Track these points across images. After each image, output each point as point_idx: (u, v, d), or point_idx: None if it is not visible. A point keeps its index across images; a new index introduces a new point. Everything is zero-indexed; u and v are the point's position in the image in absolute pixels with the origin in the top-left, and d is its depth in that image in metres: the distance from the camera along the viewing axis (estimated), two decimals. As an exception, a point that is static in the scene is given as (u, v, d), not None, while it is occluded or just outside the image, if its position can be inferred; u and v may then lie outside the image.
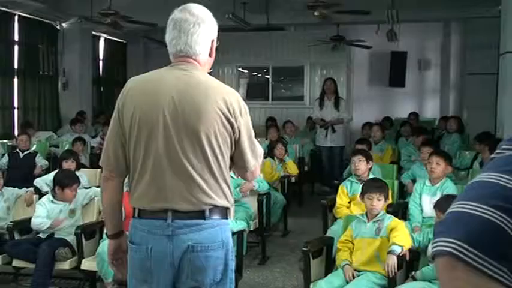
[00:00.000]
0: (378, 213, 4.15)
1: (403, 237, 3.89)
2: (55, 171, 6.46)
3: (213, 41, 2.46)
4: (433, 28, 13.37)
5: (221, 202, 2.36)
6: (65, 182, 5.08)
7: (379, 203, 4.19)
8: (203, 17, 2.40)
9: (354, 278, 3.92)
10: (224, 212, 2.39)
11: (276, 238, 6.92)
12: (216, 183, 2.34)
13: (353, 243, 4.14)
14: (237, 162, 2.44)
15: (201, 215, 2.32)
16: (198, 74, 2.37)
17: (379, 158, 7.56)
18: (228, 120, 2.31)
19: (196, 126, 2.27)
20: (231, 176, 5.96)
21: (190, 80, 2.35)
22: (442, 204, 3.96)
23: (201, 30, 2.38)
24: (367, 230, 4.13)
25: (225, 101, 2.31)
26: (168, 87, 2.34)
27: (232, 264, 2.42)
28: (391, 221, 4.10)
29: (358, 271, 4.02)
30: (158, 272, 2.33)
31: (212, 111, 2.28)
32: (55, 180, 5.17)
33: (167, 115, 2.29)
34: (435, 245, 0.89)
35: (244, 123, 2.37)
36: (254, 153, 2.43)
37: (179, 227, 2.30)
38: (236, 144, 2.37)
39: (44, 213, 5.01)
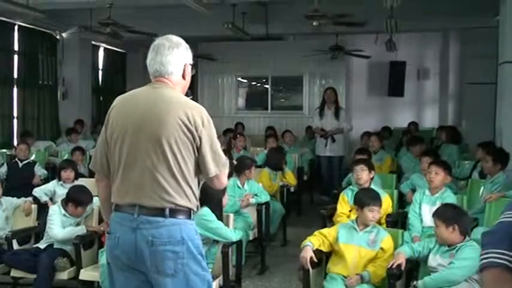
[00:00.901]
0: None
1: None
2: (54, 181, 6.45)
3: (186, 64, 2.85)
4: (431, 38, 13.41)
5: (182, 202, 2.70)
6: (81, 200, 5.05)
7: (378, 215, 4.22)
8: (178, 43, 2.82)
9: (311, 261, 3.94)
10: (186, 212, 2.73)
11: (275, 248, 6.91)
12: (177, 185, 2.69)
13: (331, 243, 4.17)
14: (201, 166, 2.75)
15: (162, 213, 2.67)
16: (166, 91, 2.77)
17: (378, 167, 7.54)
18: (188, 129, 2.67)
19: (158, 134, 2.67)
20: (238, 186, 6.07)
21: (159, 95, 2.76)
22: (442, 212, 3.96)
23: (174, 52, 2.79)
24: (359, 239, 4.16)
25: (186, 114, 2.68)
26: (139, 103, 2.78)
27: (198, 257, 2.72)
28: (387, 237, 4.15)
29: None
30: (124, 259, 2.71)
31: (173, 121, 2.66)
32: (70, 196, 5.10)
33: (135, 125, 2.72)
34: (486, 256, 0.85)
35: (207, 133, 2.72)
36: (215, 161, 2.74)
37: (142, 222, 2.66)
38: (198, 150, 2.71)
39: (59, 223, 5.00)
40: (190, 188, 2.73)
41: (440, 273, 3.79)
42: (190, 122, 2.67)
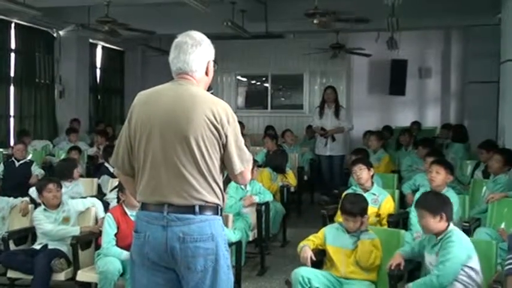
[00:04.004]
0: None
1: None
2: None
3: (208, 61, 2.87)
4: (433, 36, 13.34)
5: (211, 199, 2.72)
6: (44, 183, 5.13)
7: (355, 225, 4.20)
8: (200, 41, 2.82)
9: (311, 259, 4.06)
10: (214, 208, 2.74)
11: (275, 248, 6.85)
12: (205, 182, 2.70)
13: (320, 245, 4.25)
14: (226, 164, 2.77)
15: (191, 210, 2.68)
16: (191, 88, 2.77)
17: (376, 167, 7.44)
18: (214, 126, 2.68)
19: (185, 131, 2.66)
20: (241, 188, 6.05)
21: (184, 93, 2.75)
22: (427, 202, 3.87)
23: (197, 50, 2.79)
24: (346, 241, 4.20)
25: (212, 110, 2.69)
26: (164, 99, 2.76)
27: (226, 255, 2.76)
28: (376, 239, 4.16)
29: (346, 279, 4.08)
30: (154, 257, 2.70)
31: (200, 118, 2.67)
32: (40, 188, 5.13)
33: (161, 123, 2.70)
34: (511, 261, 0.78)
35: (232, 130, 2.73)
36: (240, 157, 2.77)
37: (172, 219, 2.67)
38: (224, 147, 2.73)
39: (45, 220, 4.98)
40: (217, 184, 2.75)
41: (429, 278, 3.64)
42: (216, 119, 2.68)
